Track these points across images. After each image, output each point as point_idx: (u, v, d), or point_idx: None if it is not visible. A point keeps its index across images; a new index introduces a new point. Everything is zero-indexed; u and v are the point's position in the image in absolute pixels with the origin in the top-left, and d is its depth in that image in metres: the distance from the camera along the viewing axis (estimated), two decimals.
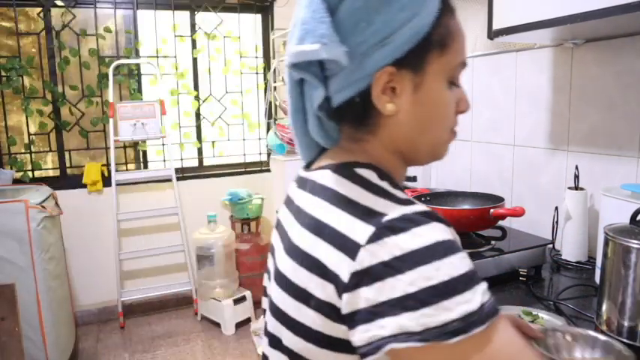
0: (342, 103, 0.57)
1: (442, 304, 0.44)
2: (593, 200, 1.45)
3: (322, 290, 0.50)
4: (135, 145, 3.27)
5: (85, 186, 3.07)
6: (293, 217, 0.59)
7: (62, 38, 2.96)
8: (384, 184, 0.55)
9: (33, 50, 2.95)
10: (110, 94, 2.96)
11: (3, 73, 2.85)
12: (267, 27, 3.48)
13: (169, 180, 3.14)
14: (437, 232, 0.48)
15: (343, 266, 0.48)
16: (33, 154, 3.03)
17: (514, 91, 1.72)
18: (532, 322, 1.06)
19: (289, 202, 0.64)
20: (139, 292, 3.15)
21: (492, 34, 1.32)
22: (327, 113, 0.59)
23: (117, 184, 3.02)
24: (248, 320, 3.07)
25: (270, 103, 3.46)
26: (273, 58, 3.43)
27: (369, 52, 0.54)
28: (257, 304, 3.19)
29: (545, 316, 1.07)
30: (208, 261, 3.04)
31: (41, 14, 2.92)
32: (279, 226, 0.65)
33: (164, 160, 3.31)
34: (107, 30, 3.05)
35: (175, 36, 3.22)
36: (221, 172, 3.43)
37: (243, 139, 3.51)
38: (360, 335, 0.47)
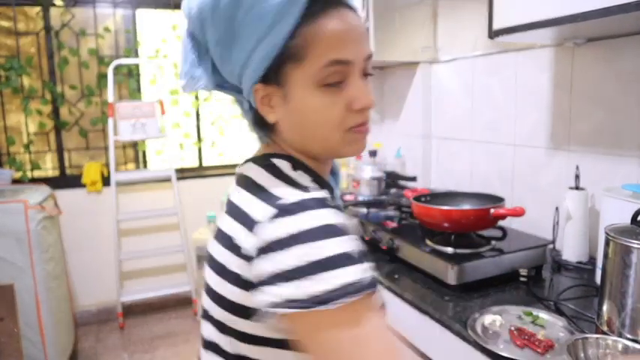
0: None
1: (322, 275, 0.51)
2: (593, 200, 1.45)
3: (235, 264, 0.58)
4: (134, 145, 3.26)
5: (84, 186, 3.07)
6: (224, 209, 0.67)
7: (61, 38, 2.96)
8: (293, 174, 0.63)
9: (32, 50, 2.95)
10: (110, 94, 2.96)
11: (2, 73, 2.84)
12: None
13: (169, 180, 3.14)
14: (325, 217, 0.54)
15: (248, 240, 0.57)
16: (32, 154, 3.03)
17: (514, 91, 1.72)
18: (532, 322, 1.06)
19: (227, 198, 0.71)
20: (139, 292, 3.15)
21: (492, 34, 1.32)
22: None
23: (116, 184, 3.01)
24: None
25: None
26: None
27: (241, 74, 0.63)
28: None
29: (546, 317, 1.07)
30: None
31: (40, 14, 2.92)
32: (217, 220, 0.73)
33: (164, 160, 3.31)
34: (106, 29, 3.05)
35: (175, 36, 3.21)
36: (221, 172, 3.43)
37: (243, 139, 3.51)
38: (259, 301, 0.54)
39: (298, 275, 0.51)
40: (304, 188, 0.60)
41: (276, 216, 0.55)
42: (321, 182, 0.68)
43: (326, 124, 0.62)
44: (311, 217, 0.54)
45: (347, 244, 0.53)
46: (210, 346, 0.66)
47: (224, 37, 0.60)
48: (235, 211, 0.61)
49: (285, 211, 0.55)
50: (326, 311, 0.50)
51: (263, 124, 0.68)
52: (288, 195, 0.57)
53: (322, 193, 0.59)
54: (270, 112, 0.64)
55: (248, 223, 0.58)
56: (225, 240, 0.61)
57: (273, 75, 0.61)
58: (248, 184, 0.63)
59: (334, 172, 0.79)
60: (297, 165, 0.65)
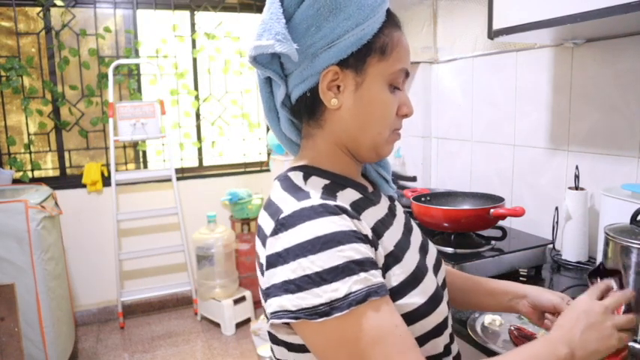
0: (297, 98, 0.67)
1: (313, 290, 0.53)
2: (593, 200, 1.45)
3: (262, 281, 0.62)
4: (135, 145, 3.26)
5: (84, 186, 3.07)
6: None
7: (62, 38, 2.96)
8: (301, 182, 0.65)
9: (32, 50, 2.95)
10: (110, 94, 2.96)
11: (2, 73, 2.84)
12: None
13: (169, 180, 3.14)
14: (318, 228, 0.56)
15: (263, 255, 0.61)
16: (32, 154, 3.03)
17: (514, 91, 1.72)
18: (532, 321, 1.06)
19: None
20: (139, 292, 3.15)
21: (492, 34, 1.32)
22: (289, 110, 0.70)
23: (117, 184, 3.02)
24: (248, 320, 3.07)
25: None
26: None
27: (317, 52, 0.63)
28: (257, 304, 3.18)
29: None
30: (208, 261, 3.04)
31: (41, 14, 2.92)
32: None
33: (164, 160, 3.31)
34: (107, 30, 3.05)
35: (175, 36, 3.22)
36: (221, 172, 3.43)
37: (243, 139, 3.51)
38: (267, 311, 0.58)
39: (290, 288, 0.54)
40: (302, 197, 0.61)
41: (275, 231, 0.58)
42: (345, 182, 0.69)
43: (385, 118, 0.67)
44: (304, 230, 0.56)
45: (335, 257, 0.54)
46: (273, 355, 0.69)
47: (324, 9, 0.62)
48: (259, 231, 0.66)
49: (282, 225, 0.58)
50: (313, 324, 0.53)
51: (311, 112, 0.68)
52: (287, 206, 0.60)
53: (318, 199, 0.60)
54: (332, 97, 0.65)
55: (263, 239, 0.62)
56: (257, 257, 0.67)
57: (354, 61, 0.64)
58: (267, 201, 0.67)
59: (382, 163, 0.80)
60: (310, 172, 0.67)
